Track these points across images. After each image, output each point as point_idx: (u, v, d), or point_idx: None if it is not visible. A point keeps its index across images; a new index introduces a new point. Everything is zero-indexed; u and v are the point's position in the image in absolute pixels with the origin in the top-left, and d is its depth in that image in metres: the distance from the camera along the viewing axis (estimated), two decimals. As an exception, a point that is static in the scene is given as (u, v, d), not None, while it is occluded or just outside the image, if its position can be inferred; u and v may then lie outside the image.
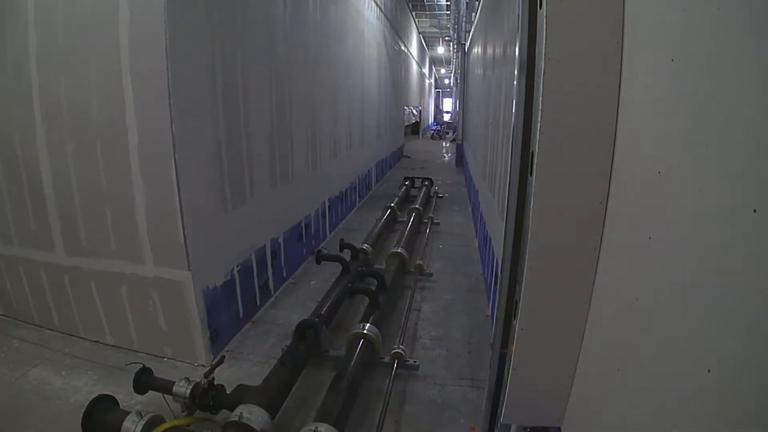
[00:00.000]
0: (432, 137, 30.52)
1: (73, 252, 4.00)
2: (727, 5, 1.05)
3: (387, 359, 3.69)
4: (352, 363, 3.33)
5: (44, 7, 3.52)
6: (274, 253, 5.29)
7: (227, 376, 3.55)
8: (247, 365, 3.87)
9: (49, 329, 4.34)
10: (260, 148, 4.82)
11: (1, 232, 4.27)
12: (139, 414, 2.71)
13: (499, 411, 2.33)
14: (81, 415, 2.75)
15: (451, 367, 3.88)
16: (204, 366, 3.86)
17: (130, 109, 3.41)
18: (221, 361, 3.33)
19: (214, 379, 3.07)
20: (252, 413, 2.70)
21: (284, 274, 5.65)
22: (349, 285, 4.43)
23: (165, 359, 3.93)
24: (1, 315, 4.60)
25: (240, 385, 3.11)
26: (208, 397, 2.99)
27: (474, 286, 5.66)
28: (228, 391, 3.07)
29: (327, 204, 7.51)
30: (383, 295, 4.41)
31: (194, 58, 3.63)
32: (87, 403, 2.81)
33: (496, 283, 3.80)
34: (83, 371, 3.74)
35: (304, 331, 3.65)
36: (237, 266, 4.41)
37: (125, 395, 3.41)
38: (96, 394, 2.91)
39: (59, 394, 3.46)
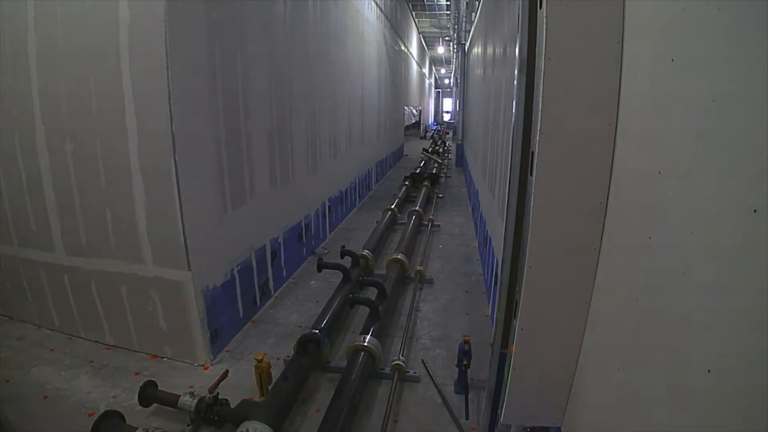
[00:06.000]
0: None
1: (73, 252, 4.00)
2: (727, 5, 1.05)
3: (387, 370, 3.68)
4: (353, 377, 3.34)
5: (44, 7, 3.52)
6: (274, 253, 5.29)
7: (228, 376, 3.55)
8: (247, 365, 3.86)
9: (49, 329, 4.34)
10: (260, 148, 4.82)
11: (1, 232, 4.27)
12: (146, 430, 2.74)
13: (499, 411, 2.33)
14: (81, 417, 2.75)
15: (451, 367, 3.87)
16: (204, 366, 3.86)
17: (130, 109, 3.41)
18: (225, 375, 3.33)
19: (218, 393, 3.08)
20: (257, 431, 2.75)
21: (284, 274, 5.65)
22: (350, 296, 4.43)
23: (165, 359, 3.93)
24: (1, 315, 4.60)
25: (244, 400, 3.12)
26: (212, 412, 3.00)
27: (474, 287, 5.66)
28: (232, 405, 3.08)
29: (327, 204, 7.50)
30: (384, 304, 4.42)
31: (194, 58, 3.62)
32: (87, 404, 2.81)
33: (496, 283, 3.80)
34: (83, 371, 3.74)
35: (306, 344, 3.65)
36: (237, 266, 4.41)
37: (126, 395, 3.43)
38: (94, 394, 2.92)
39: (59, 394, 3.46)
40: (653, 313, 1.34)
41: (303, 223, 6.30)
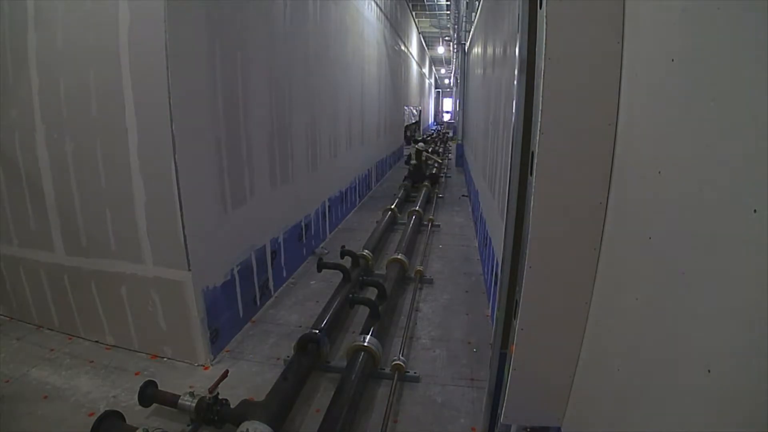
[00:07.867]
0: None
1: (73, 252, 4.00)
2: (727, 5, 1.05)
3: (387, 370, 3.68)
4: (353, 377, 3.34)
5: (44, 7, 3.52)
6: (274, 253, 5.29)
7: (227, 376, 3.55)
8: (247, 365, 3.87)
9: (49, 329, 4.34)
10: (260, 148, 4.82)
11: (1, 232, 4.27)
12: (146, 430, 2.74)
13: (499, 411, 2.33)
14: (81, 417, 2.75)
15: (451, 367, 3.88)
16: (204, 366, 3.86)
17: (130, 109, 3.41)
18: (225, 375, 3.33)
19: (218, 393, 3.08)
20: (257, 431, 2.75)
21: (284, 274, 5.65)
22: (350, 296, 4.43)
23: (165, 359, 3.93)
24: (1, 315, 4.60)
25: (244, 400, 3.12)
26: (212, 412, 3.00)
27: (474, 287, 5.66)
28: (232, 405, 3.08)
29: (327, 204, 7.50)
30: (384, 304, 4.42)
31: (194, 58, 3.62)
32: (87, 404, 2.81)
33: (496, 283, 3.80)
34: (83, 371, 3.74)
35: (306, 344, 3.64)
36: (237, 266, 4.41)
37: (126, 395, 3.43)
38: (94, 394, 2.91)
39: (59, 394, 3.46)
40: (653, 313, 1.34)
41: (303, 223, 6.30)
